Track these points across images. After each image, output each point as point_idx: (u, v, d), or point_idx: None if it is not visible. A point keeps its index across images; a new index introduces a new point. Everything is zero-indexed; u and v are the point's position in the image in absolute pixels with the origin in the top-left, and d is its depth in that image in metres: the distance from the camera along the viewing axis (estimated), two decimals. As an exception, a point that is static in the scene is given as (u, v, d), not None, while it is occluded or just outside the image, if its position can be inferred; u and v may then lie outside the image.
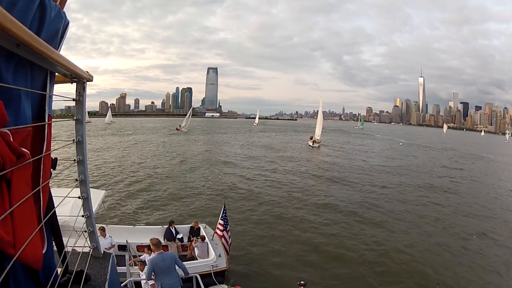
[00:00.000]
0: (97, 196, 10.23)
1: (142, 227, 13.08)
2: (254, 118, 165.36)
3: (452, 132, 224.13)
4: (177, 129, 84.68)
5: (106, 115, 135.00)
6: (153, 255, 7.45)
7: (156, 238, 7.86)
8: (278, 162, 38.02)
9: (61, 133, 48.74)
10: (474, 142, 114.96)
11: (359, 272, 12.12)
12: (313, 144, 56.95)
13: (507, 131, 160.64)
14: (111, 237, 10.40)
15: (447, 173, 35.46)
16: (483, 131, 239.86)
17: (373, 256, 13.41)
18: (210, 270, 9.81)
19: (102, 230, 10.27)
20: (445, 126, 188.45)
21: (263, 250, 13.50)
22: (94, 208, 9.85)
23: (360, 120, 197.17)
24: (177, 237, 11.85)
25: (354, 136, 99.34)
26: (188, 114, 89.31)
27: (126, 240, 10.75)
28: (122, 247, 10.83)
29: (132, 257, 10.37)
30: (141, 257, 9.89)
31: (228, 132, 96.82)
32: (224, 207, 11.76)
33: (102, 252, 2.98)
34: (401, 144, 75.39)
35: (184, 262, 10.45)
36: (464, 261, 13.51)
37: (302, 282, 8.32)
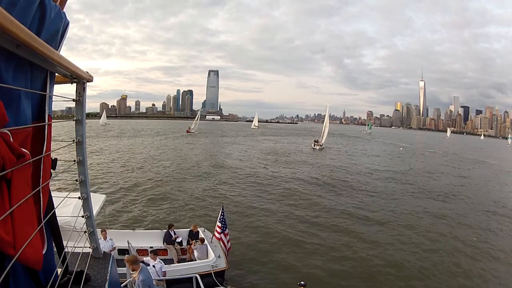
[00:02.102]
0: (97, 200, 10.22)
1: (142, 231, 13.07)
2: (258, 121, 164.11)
3: (455, 136, 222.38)
4: (187, 131, 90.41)
5: (106, 117, 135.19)
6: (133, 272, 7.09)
7: (132, 255, 7.73)
8: (279, 164, 38.02)
9: (61, 133, 48.76)
10: (477, 146, 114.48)
11: (359, 272, 12.12)
12: (314, 146, 60.96)
13: (510, 136, 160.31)
14: (111, 239, 10.39)
15: (453, 182, 35.26)
16: (482, 135, 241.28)
17: (373, 257, 13.39)
18: (210, 270, 9.86)
19: (104, 232, 10.28)
20: (448, 130, 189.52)
21: (263, 251, 13.51)
22: (94, 213, 9.84)
23: (368, 125, 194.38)
24: (177, 240, 11.86)
25: (353, 140, 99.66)
26: (196, 117, 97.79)
27: (128, 241, 10.72)
28: (122, 251, 10.78)
29: None
30: (144, 258, 9.88)
31: (229, 135, 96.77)
32: (223, 209, 11.75)
33: (102, 252, 2.97)
34: (401, 148, 75.12)
35: (184, 263, 10.53)
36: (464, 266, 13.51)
37: (302, 282, 8.29)
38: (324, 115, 63.31)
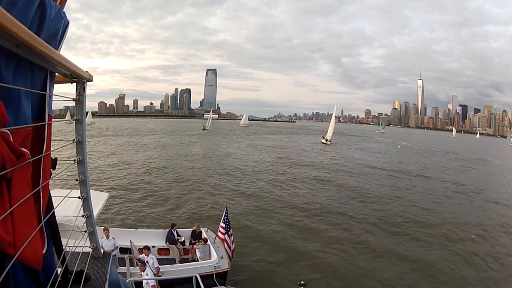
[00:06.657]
0: (100, 198, 10.21)
1: (144, 230, 12.99)
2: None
3: (459, 135, 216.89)
4: (203, 129, 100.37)
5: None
6: None
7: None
8: (281, 162, 38.12)
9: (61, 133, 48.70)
10: (482, 146, 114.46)
11: (359, 272, 12.15)
12: (326, 141, 69.44)
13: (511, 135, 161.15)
14: (114, 238, 10.35)
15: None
16: (478, 134, 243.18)
17: (372, 256, 13.45)
18: (212, 271, 9.83)
19: (106, 231, 10.25)
20: (454, 130, 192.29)
21: (264, 251, 13.53)
22: (97, 210, 9.80)
23: (381, 124, 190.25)
24: (179, 240, 11.83)
25: (353, 138, 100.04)
26: (209, 118, 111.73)
27: (130, 240, 10.70)
28: (124, 250, 10.75)
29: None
30: (140, 256, 9.87)
31: (233, 134, 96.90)
32: (226, 210, 11.70)
33: (102, 252, 2.97)
34: (399, 147, 75.13)
35: (186, 263, 10.49)
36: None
37: (302, 282, 8.32)
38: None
